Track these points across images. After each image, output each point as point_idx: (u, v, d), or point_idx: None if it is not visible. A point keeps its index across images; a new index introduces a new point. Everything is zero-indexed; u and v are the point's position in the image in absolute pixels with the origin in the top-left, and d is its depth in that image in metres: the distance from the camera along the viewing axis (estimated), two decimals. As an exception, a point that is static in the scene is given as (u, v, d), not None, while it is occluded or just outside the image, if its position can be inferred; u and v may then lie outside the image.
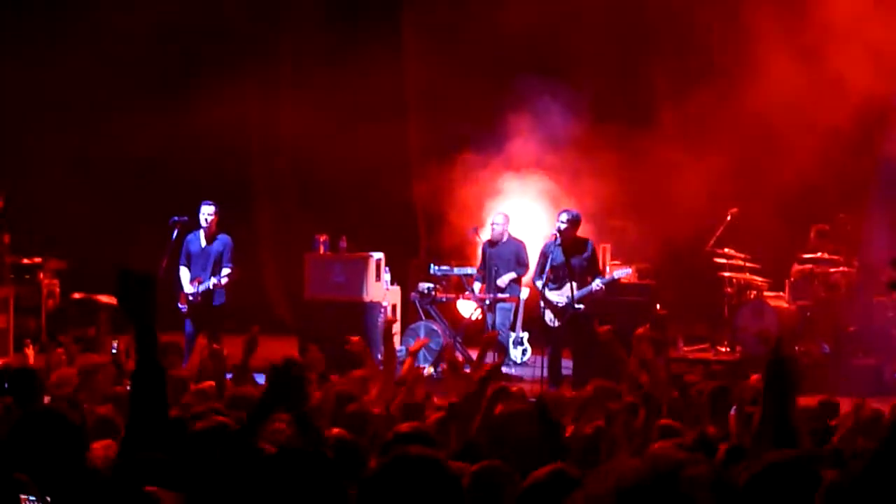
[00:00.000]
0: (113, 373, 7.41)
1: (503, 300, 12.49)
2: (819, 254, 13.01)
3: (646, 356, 7.27)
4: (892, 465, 2.87)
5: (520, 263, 12.62)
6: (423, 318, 13.17)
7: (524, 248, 12.72)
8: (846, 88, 12.65)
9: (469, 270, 13.27)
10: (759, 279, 13.53)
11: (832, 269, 12.95)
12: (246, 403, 5.49)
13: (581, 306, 11.53)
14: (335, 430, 4.90)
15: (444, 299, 13.28)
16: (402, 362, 7.97)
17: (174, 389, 6.03)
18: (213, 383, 6.99)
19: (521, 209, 13.92)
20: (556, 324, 11.71)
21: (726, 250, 13.51)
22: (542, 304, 11.80)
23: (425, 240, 15.98)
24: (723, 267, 13.59)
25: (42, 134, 15.91)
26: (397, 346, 12.60)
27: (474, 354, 8.27)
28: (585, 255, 11.74)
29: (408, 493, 2.82)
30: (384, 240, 13.90)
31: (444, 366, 11.17)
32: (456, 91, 14.85)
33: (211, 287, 11.72)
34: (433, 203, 14.88)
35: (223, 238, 11.96)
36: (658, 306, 12.97)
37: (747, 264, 13.49)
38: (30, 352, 9.41)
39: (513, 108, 14.51)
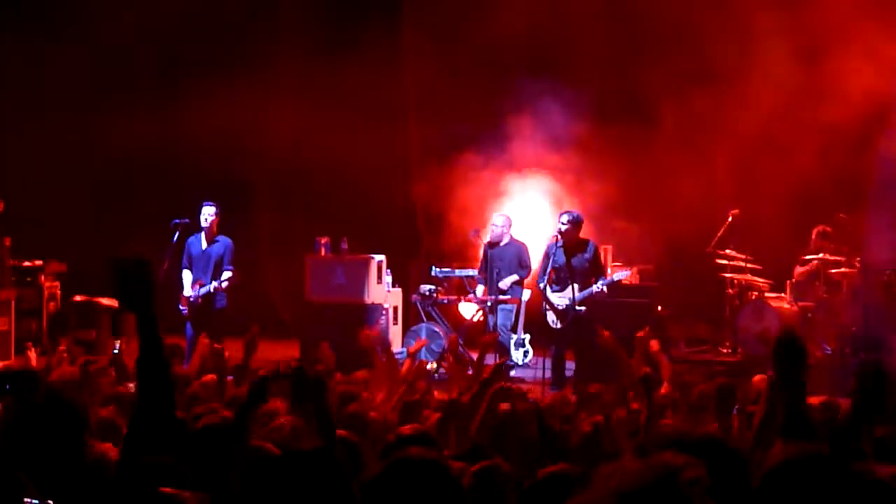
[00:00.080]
0: (114, 374, 7.41)
1: (504, 302, 12.49)
2: (820, 255, 13.01)
3: (651, 350, 7.28)
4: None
5: (521, 265, 12.61)
6: (425, 319, 13.17)
7: (526, 249, 12.71)
8: (846, 88, 12.66)
9: (470, 272, 13.27)
10: (761, 280, 13.53)
11: (833, 270, 12.95)
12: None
13: (582, 308, 11.53)
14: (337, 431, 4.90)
15: (445, 301, 13.28)
16: (402, 363, 7.98)
17: (177, 386, 6.03)
18: (214, 376, 7.00)
19: (522, 210, 13.91)
20: (559, 325, 11.71)
21: (728, 251, 13.51)
22: (544, 305, 11.80)
23: (426, 242, 15.97)
24: (724, 268, 13.59)
25: (43, 136, 15.91)
26: (398, 348, 12.62)
27: (475, 356, 8.27)
28: (587, 256, 11.74)
29: (409, 495, 2.82)
30: (385, 242, 13.91)
31: (445, 365, 11.17)
32: (456, 92, 14.84)
33: (211, 290, 11.71)
34: (434, 204, 14.88)
35: (224, 240, 11.96)
36: (659, 307, 12.98)
37: (749, 265, 13.49)
38: (31, 354, 9.40)
39: (513, 108, 14.51)
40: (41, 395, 3.71)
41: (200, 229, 11.93)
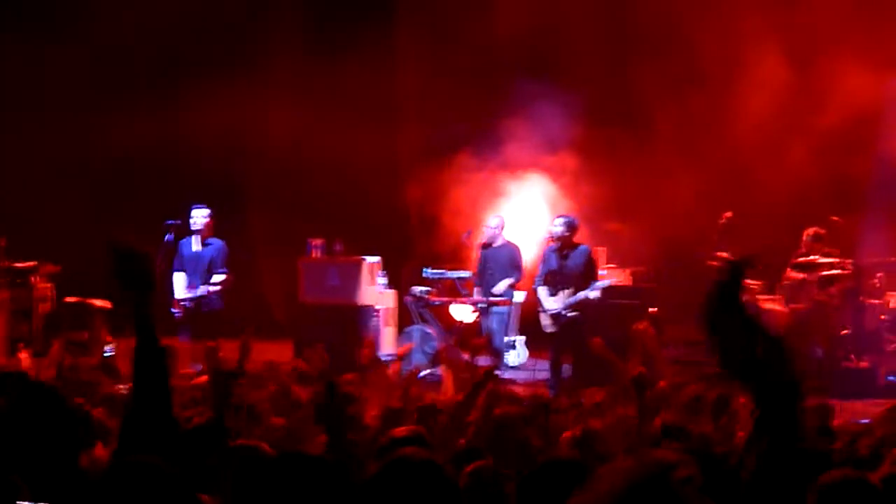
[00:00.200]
0: (101, 375, 7.39)
1: (497, 303, 12.49)
2: (813, 257, 13.02)
3: (646, 345, 7.30)
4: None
5: (514, 267, 12.61)
6: (418, 321, 13.16)
7: (518, 251, 12.72)
8: (838, 91, 12.69)
9: (464, 274, 13.26)
10: (753, 282, 13.53)
11: (825, 273, 12.96)
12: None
13: (575, 314, 11.52)
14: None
15: (437, 303, 13.27)
16: (390, 364, 7.97)
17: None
18: (206, 378, 6.99)
19: (516, 212, 13.91)
20: (552, 329, 11.72)
21: (720, 254, 13.51)
22: (539, 308, 11.82)
23: (419, 243, 15.97)
24: (717, 270, 13.58)
25: (41, 136, 15.88)
26: (391, 350, 12.62)
27: (467, 357, 8.27)
28: (581, 261, 11.74)
29: (405, 495, 2.82)
30: (378, 243, 13.89)
31: (440, 368, 11.16)
32: (451, 93, 14.85)
33: (204, 293, 11.69)
34: (427, 206, 14.88)
35: (216, 242, 11.94)
36: (650, 309, 12.97)
37: (741, 267, 13.49)
38: (23, 356, 9.39)
39: (507, 111, 14.51)
40: (36, 397, 3.67)
41: (191, 232, 11.89)
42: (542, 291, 11.77)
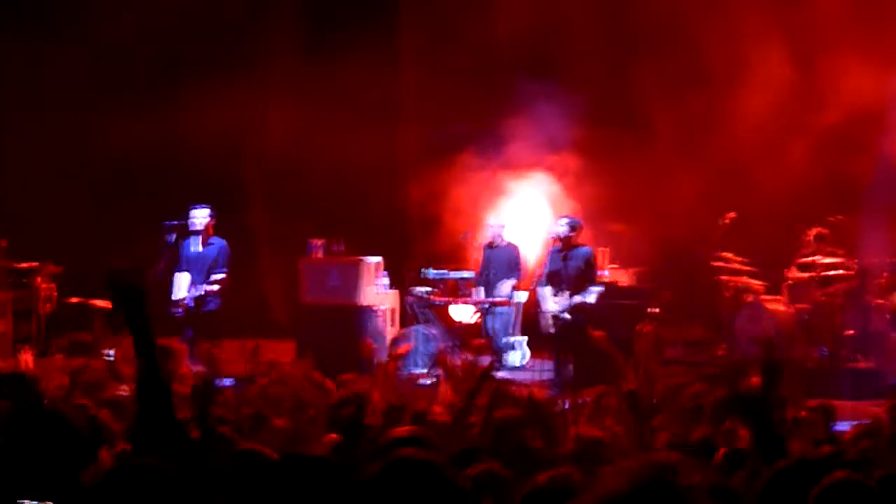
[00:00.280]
0: (109, 377, 7.39)
1: (499, 304, 12.48)
2: (817, 257, 13.01)
3: (644, 350, 7.27)
4: None
5: (514, 267, 12.61)
6: (420, 321, 13.15)
7: (518, 252, 12.72)
8: (840, 90, 12.67)
9: (465, 274, 13.25)
10: (757, 283, 13.53)
11: (830, 273, 12.95)
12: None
13: (572, 315, 11.50)
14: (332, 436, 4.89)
15: (439, 303, 13.25)
16: (386, 363, 7.95)
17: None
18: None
19: (516, 212, 13.91)
20: (552, 330, 11.71)
21: (724, 254, 13.51)
22: (538, 309, 11.81)
23: (420, 243, 15.96)
24: (720, 270, 13.59)
25: (41, 136, 15.87)
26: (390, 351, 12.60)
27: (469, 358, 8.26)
28: (582, 263, 11.72)
29: (406, 495, 2.81)
30: (379, 243, 13.89)
31: (440, 371, 11.15)
32: (452, 93, 14.83)
33: (203, 293, 11.70)
34: (429, 206, 14.87)
35: (218, 242, 11.94)
36: (650, 310, 12.96)
37: (745, 268, 13.49)
38: (25, 356, 9.37)
39: (508, 111, 14.50)
40: (41, 410, 3.67)
41: (190, 233, 11.89)
42: (544, 292, 11.75)
